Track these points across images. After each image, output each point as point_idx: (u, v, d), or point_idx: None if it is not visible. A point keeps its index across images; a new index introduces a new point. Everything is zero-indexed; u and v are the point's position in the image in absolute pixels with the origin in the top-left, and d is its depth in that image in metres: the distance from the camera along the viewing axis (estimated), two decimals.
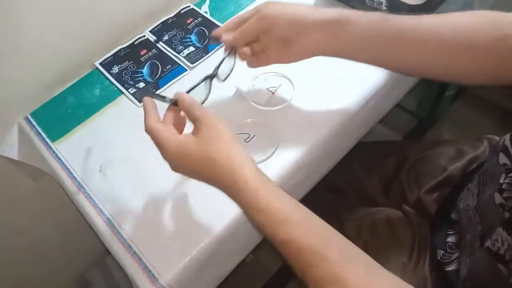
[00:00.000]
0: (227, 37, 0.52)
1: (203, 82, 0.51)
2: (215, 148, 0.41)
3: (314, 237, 0.37)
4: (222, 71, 0.54)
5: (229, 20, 0.54)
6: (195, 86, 0.50)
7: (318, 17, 0.47)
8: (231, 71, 0.56)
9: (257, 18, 0.49)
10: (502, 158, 0.44)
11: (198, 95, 0.50)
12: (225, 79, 0.56)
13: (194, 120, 0.44)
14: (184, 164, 0.43)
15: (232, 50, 0.54)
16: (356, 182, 0.72)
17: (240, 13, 0.54)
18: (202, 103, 0.51)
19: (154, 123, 0.44)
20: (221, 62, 0.52)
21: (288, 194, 0.41)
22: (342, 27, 0.46)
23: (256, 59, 0.54)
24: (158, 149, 0.44)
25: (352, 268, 0.35)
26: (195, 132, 0.43)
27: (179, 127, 0.47)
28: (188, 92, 0.49)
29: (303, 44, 0.49)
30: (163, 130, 0.43)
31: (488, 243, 0.40)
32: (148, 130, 0.44)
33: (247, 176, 0.39)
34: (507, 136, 0.44)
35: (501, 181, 0.42)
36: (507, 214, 0.40)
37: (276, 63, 0.54)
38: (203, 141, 0.41)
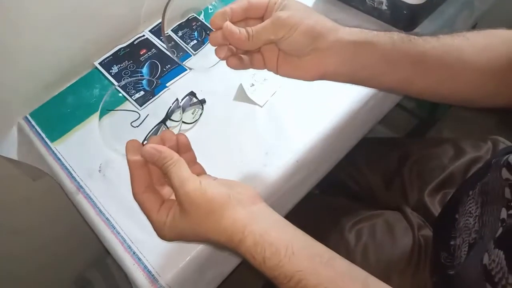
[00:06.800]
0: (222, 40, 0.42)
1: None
2: (207, 228, 0.37)
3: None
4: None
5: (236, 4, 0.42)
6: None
7: (340, 36, 0.41)
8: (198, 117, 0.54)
9: (272, 22, 0.40)
10: (505, 173, 0.43)
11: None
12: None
13: (173, 189, 0.37)
14: (178, 237, 0.39)
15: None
16: (358, 175, 0.72)
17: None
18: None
19: (138, 194, 0.39)
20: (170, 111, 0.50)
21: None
22: (364, 47, 0.41)
23: (242, 62, 0.44)
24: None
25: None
26: (179, 206, 0.37)
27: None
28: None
29: (314, 62, 0.42)
30: (147, 203, 0.39)
31: (485, 261, 0.40)
32: (135, 200, 0.40)
33: (251, 250, 0.36)
34: (511, 155, 0.43)
35: (507, 196, 0.42)
36: (500, 230, 0.40)
37: (269, 70, 0.45)
38: (191, 221, 0.37)
